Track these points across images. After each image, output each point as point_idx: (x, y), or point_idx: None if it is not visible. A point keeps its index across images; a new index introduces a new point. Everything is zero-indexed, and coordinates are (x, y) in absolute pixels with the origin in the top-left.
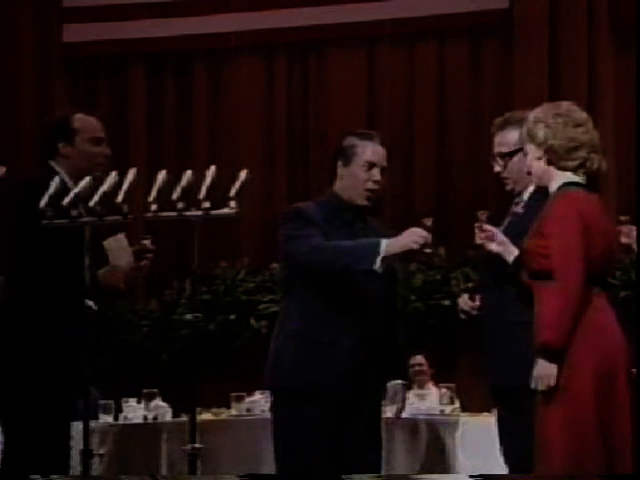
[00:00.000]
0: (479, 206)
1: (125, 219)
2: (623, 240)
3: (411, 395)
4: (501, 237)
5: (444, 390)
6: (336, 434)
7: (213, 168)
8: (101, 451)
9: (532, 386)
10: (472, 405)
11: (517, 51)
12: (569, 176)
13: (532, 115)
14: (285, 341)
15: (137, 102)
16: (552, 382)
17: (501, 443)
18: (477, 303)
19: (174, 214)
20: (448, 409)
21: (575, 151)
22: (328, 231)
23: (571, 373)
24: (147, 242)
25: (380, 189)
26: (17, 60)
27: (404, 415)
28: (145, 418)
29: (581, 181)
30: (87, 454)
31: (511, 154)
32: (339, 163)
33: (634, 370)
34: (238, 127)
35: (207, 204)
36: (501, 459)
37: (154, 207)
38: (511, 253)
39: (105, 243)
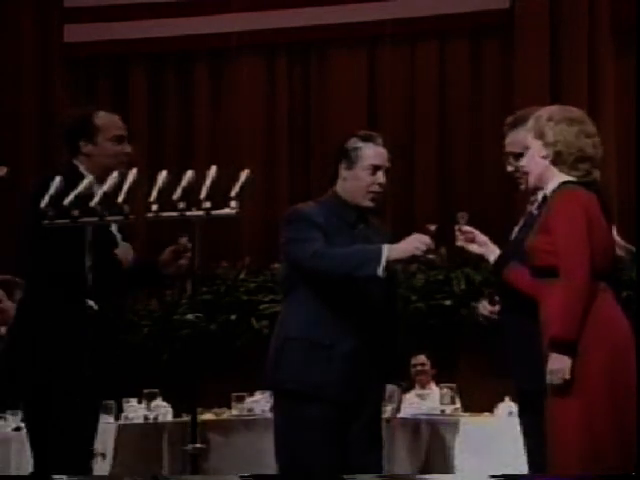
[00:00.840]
0: (480, 205)
1: (126, 219)
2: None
3: (412, 395)
4: (481, 238)
5: (445, 390)
6: (337, 435)
7: (214, 168)
8: (102, 451)
9: (547, 381)
10: (473, 405)
11: (518, 51)
12: (568, 177)
13: (545, 114)
14: (286, 343)
15: (138, 102)
16: (567, 375)
17: (527, 447)
18: (497, 307)
19: (175, 214)
20: (449, 409)
21: (581, 162)
22: (330, 233)
23: (584, 366)
24: (184, 240)
25: (383, 190)
26: (18, 60)
27: (406, 415)
28: (146, 418)
29: (580, 181)
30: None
31: (523, 154)
32: (342, 165)
33: None
34: (239, 127)
35: (208, 204)
36: (501, 458)
37: (155, 207)
38: (493, 253)
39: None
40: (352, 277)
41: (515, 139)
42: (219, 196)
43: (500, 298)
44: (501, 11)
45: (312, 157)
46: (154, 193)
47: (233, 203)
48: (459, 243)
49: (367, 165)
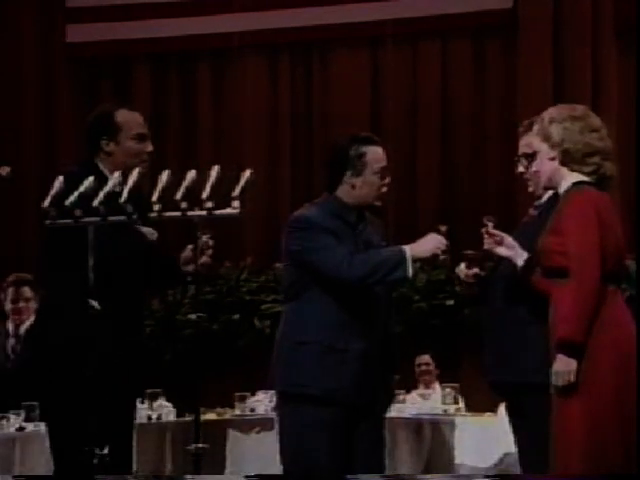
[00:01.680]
0: (482, 205)
1: (129, 219)
2: None
3: (415, 395)
4: (509, 241)
5: (448, 390)
6: (345, 436)
7: (217, 168)
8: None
9: (552, 382)
10: (475, 405)
11: (521, 51)
12: (580, 176)
13: (547, 115)
14: (299, 346)
15: (141, 102)
16: (572, 378)
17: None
18: (474, 271)
19: (178, 214)
20: (451, 409)
21: (590, 157)
22: (337, 235)
23: (590, 369)
24: (206, 238)
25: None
26: (21, 60)
27: (408, 415)
28: (149, 418)
29: (592, 180)
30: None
31: (535, 155)
32: (347, 173)
33: None
34: (242, 127)
35: (210, 204)
36: (504, 458)
37: (158, 207)
38: (520, 256)
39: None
40: (384, 283)
41: (528, 141)
42: (222, 196)
43: (523, 299)
44: (504, 11)
45: (314, 157)
46: (157, 193)
47: (235, 203)
48: (487, 246)
49: (377, 169)
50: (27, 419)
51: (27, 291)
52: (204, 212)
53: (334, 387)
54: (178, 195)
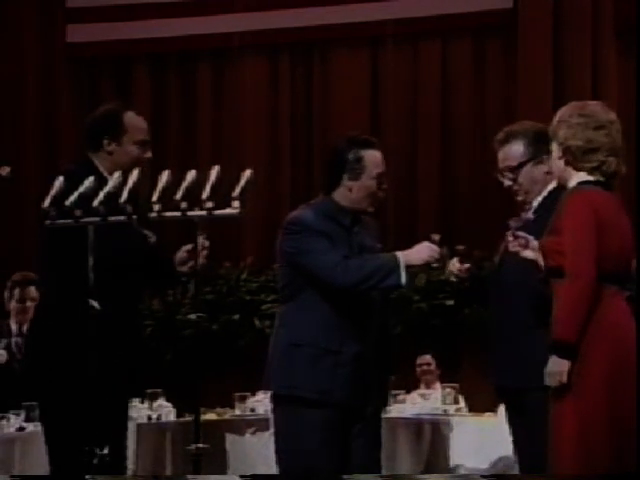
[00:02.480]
0: (483, 206)
1: (129, 219)
2: None
3: (415, 395)
4: (534, 244)
5: (448, 390)
6: (341, 438)
7: (217, 168)
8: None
9: (545, 383)
10: (476, 405)
11: (521, 51)
12: (586, 176)
13: (558, 114)
14: (293, 348)
15: (141, 102)
16: (564, 379)
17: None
18: (466, 265)
19: (178, 214)
20: (452, 409)
21: (592, 153)
22: (332, 238)
23: (583, 370)
24: (201, 238)
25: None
26: (21, 60)
27: (408, 415)
28: (149, 418)
29: (598, 180)
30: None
31: (520, 166)
32: (345, 176)
33: None
34: (242, 127)
35: (210, 204)
36: (504, 459)
37: (157, 207)
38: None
39: None
40: (377, 289)
41: (509, 154)
42: (222, 196)
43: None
44: (504, 11)
45: (315, 157)
46: (157, 193)
47: (236, 203)
48: (512, 249)
49: (374, 174)
50: (27, 419)
51: (33, 291)
52: (204, 212)
53: (328, 389)
54: (178, 195)
